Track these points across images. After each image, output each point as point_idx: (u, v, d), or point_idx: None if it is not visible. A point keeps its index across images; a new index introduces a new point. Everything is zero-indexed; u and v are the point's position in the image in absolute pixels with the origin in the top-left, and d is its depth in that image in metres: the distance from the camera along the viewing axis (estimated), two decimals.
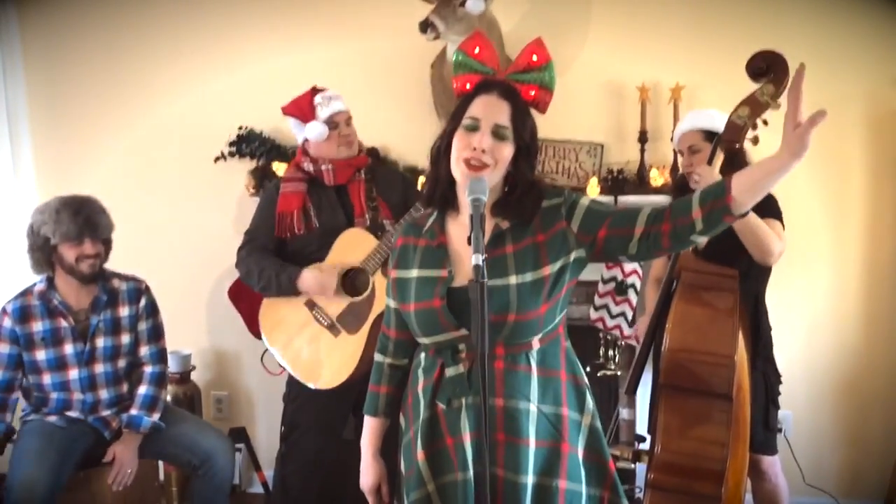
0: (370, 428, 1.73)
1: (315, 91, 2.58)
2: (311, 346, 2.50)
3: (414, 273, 1.59)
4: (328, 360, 2.47)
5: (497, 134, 1.49)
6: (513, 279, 1.48)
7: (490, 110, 1.51)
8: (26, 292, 2.56)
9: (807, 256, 2.99)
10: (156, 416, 2.56)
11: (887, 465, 3.03)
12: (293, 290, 2.48)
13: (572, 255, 1.52)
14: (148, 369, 2.64)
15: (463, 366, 1.52)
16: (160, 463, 2.85)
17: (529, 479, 1.49)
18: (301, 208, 2.54)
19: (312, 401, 2.53)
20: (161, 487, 2.85)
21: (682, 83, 2.92)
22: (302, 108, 2.56)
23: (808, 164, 2.98)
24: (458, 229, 1.58)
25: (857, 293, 3.04)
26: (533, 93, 1.59)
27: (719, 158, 2.28)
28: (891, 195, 2.98)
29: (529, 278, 1.49)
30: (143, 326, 2.66)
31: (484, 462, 1.35)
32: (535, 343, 1.52)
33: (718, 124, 2.38)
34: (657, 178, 2.88)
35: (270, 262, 2.53)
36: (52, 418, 2.53)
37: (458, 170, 1.51)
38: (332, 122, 2.54)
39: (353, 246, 2.49)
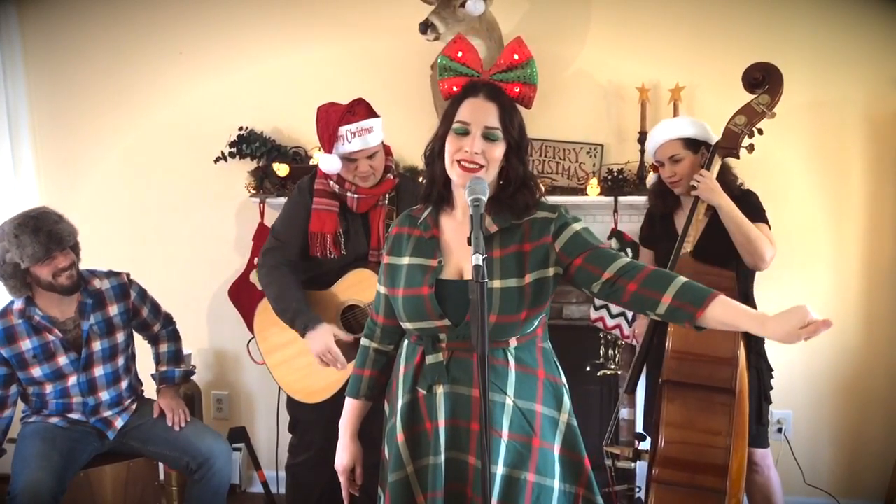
0: (350, 410, 1.78)
1: (351, 111, 2.37)
2: (297, 360, 2.50)
3: (405, 260, 1.65)
4: (308, 380, 2.47)
5: (488, 136, 1.55)
6: (496, 283, 1.54)
7: (478, 114, 1.56)
8: (6, 312, 2.49)
9: (807, 257, 3.00)
10: (184, 366, 2.78)
11: (887, 465, 3.03)
12: (300, 335, 2.40)
13: (551, 271, 1.57)
14: (163, 332, 2.78)
15: (442, 355, 1.58)
16: (160, 463, 2.84)
17: (499, 470, 1.53)
18: (334, 233, 2.43)
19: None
20: (161, 487, 2.85)
21: (682, 84, 2.92)
22: (323, 133, 2.37)
23: (808, 165, 3.02)
24: (450, 223, 1.64)
25: (857, 293, 3.04)
26: (517, 90, 1.63)
27: (717, 164, 2.35)
28: (891, 195, 2.97)
29: (513, 284, 1.54)
30: (145, 312, 2.71)
31: (485, 456, 1.38)
32: (513, 341, 1.58)
33: (695, 131, 2.44)
34: None
35: (293, 294, 2.40)
36: (53, 419, 2.53)
37: (453, 171, 1.57)
38: (348, 158, 2.38)
39: (361, 287, 2.43)
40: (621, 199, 2.92)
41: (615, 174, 2.94)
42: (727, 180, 2.39)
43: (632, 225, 3.00)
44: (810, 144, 2.96)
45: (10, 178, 3.42)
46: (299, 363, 2.49)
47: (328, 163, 2.38)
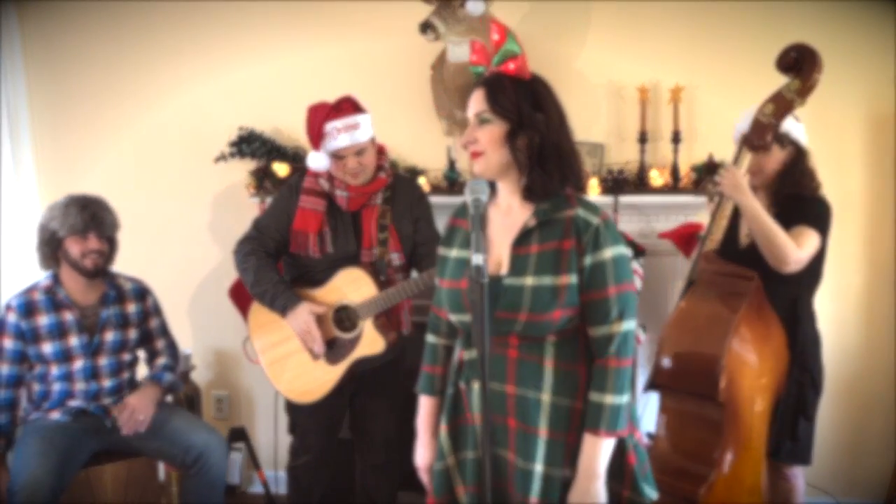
0: (427, 407, 1.75)
1: (337, 108, 2.36)
2: (290, 359, 2.50)
3: (454, 253, 1.66)
4: (300, 379, 2.47)
5: (478, 121, 1.57)
6: (528, 280, 1.50)
7: (472, 104, 1.60)
8: (31, 288, 2.59)
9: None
10: (173, 377, 2.74)
11: (887, 466, 3.03)
12: (281, 315, 2.43)
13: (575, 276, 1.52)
14: (162, 360, 2.75)
15: (476, 350, 1.55)
16: (160, 462, 2.85)
17: (538, 467, 1.53)
18: (316, 232, 2.42)
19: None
20: (161, 487, 2.85)
21: (682, 84, 2.92)
22: (311, 131, 2.37)
23: None
24: (496, 216, 1.63)
25: (857, 293, 3.04)
26: (511, 66, 1.66)
27: (746, 159, 2.16)
28: (891, 195, 2.97)
29: (548, 282, 1.50)
30: (154, 323, 2.76)
31: (486, 447, 1.42)
32: (551, 337, 1.54)
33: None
34: (657, 178, 2.89)
35: (270, 276, 2.43)
36: (54, 414, 2.54)
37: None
38: (336, 155, 2.37)
39: (353, 286, 2.42)
40: (621, 199, 2.92)
41: (615, 174, 2.94)
42: (801, 182, 2.22)
43: (632, 225, 3.00)
44: (810, 144, 2.95)
45: (10, 178, 3.42)
46: (292, 362, 2.49)
47: (316, 160, 2.39)
